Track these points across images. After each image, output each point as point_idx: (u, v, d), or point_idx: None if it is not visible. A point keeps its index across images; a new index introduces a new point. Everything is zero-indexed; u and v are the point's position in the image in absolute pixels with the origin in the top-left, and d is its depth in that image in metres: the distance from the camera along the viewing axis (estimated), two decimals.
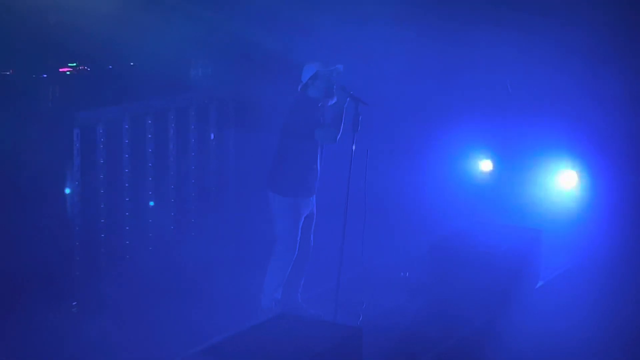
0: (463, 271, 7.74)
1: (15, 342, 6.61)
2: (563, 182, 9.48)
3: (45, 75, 7.75)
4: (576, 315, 7.60)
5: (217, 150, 8.98)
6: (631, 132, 9.04)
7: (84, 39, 8.45)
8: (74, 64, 8.22)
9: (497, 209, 9.22)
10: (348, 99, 6.91)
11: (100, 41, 8.48)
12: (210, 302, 7.50)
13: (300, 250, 7.19)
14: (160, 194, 8.40)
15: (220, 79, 9.02)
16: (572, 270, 8.59)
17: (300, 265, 7.25)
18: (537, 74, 9.20)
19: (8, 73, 7.79)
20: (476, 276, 7.66)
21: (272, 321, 6.40)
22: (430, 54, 9.30)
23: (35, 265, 7.19)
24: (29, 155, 7.16)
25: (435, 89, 9.48)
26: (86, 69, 8.23)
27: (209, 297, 7.63)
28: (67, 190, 7.35)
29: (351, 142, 6.84)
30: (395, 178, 9.38)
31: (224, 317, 7.25)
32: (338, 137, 6.94)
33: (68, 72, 8.13)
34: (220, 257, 8.57)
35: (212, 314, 7.29)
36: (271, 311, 6.94)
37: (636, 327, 7.49)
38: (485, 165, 9.82)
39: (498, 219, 8.87)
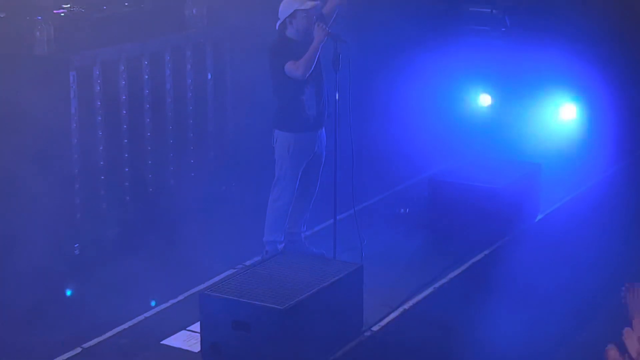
0: (463, 206, 7.76)
1: (17, 284, 6.66)
2: (562, 115, 9.46)
3: (39, 18, 7.67)
4: (575, 247, 7.65)
5: (215, 90, 8.94)
6: (633, 60, 8.99)
7: None
8: (68, 5, 8.13)
9: (496, 143, 9.20)
10: (326, 37, 6.69)
11: None
12: (212, 244, 7.52)
13: (306, 191, 7.14)
14: (159, 135, 8.38)
15: (216, 17, 8.93)
16: (571, 203, 8.61)
17: (304, 205, 7.21)
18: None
19: (2, 16, 7.71)
20: (476, 211, 7.68)
21: (275, 258, 6.45)
22: None
23: (36, 207, 7.20)
24: (25, 99, 7.13)
25: (433, 20, 9.42)
26: (81, 10, 8.14)
27: (211, 238, 7.65)
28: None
29: (334, 82, 6.72)
30: (393, 114, 9.35)
31: (227, 258, 7.29)
32: (307, 73, 6.73)
33: (62, 14, 8.04)
34: (220, 198, 8.59)
35: (214, 255, 7.31)
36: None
37: (634, 258, 7.54)
38: (484, 99, 9.78)
39: (497, 153, 8.87)
